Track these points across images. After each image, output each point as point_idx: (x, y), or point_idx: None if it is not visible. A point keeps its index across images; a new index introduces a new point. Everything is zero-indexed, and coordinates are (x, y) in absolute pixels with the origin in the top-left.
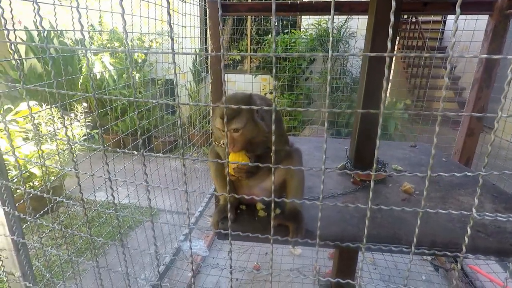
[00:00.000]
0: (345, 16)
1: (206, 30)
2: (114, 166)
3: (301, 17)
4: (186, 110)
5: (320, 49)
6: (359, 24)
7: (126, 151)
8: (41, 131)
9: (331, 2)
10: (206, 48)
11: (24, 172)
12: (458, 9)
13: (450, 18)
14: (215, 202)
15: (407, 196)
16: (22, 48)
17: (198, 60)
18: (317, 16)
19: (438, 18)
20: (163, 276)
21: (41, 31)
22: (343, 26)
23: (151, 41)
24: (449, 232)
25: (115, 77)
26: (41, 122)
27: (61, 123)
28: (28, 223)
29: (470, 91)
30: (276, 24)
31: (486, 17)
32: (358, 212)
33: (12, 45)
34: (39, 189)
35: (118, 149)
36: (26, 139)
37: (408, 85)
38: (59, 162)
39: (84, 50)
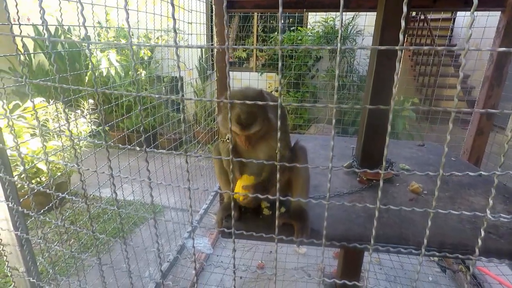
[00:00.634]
0: (352, 13)
1: (212, 27)
2: (119, 163)
3: (307, 14)
4: (192, 107)
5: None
6: (366, 21)
7: (129, 147)
8: (48, 127)
9: None
10: (212, 45)
11: (30, 167)
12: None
13: (460, 15)
14: (219, 199)
15: (414, 195)
16: (30, 46)
17: (204, 58)
18: (324, 13)
19: (447, 15)
20: (167, 273)
21: (43, 25)
22: (350, 24)
23: (157, 38)
24: (459, 233)
25: (122, 74)
26: (48, 118)
27: (66, 120)
28: (33, 218)
29: (481, 90)
30: (282, 20)
31: (498, 13)
32: (365, 211)
33: (20, 41)
34: (44, 184)
35: (120, 145)
36: (33, 135)
37: (416, 84)
38: (65, 158)
39: (87, 44)
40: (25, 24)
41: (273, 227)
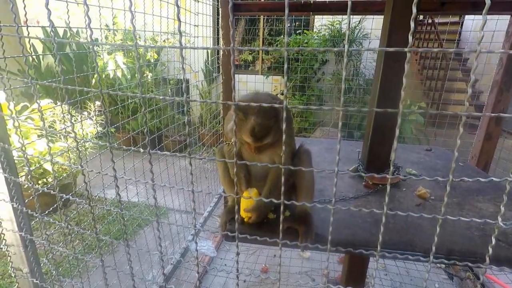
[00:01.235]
0: (359, 17)
1: (218, 30)
2: (124, 164)
3: (314, 17)
4: (197, 109)
5: (333, 50)
6: (373, 24)
7: (133, 148)
8: (55, 129)
9: (345, 1)
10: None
11: (36, 168)
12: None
13: (468, 18)
14: (224, 202)
15: (422, 201)
16: (40, 48)
17: (209, 60)
18: (330, 17)
19: (455, 19)
20: (170, 276)
21: (50, 27)
22: (357, 27)
23: (164, 41)
24: (467, 240)
25: (128, 76)
26: (56, 119)
27: (74, 120)
28: (37, 219)
29: (489, 94)
30: (288, 23)
31: (507, 17)
32: (371, 216)
33: (28, 43)
34: (49, 185)
35: (124, 147)
36: (41, 136)
37: (423, 88)
38: (71, 160)
39: (92, 45)
40: (33, 26)
41: (277, 231)
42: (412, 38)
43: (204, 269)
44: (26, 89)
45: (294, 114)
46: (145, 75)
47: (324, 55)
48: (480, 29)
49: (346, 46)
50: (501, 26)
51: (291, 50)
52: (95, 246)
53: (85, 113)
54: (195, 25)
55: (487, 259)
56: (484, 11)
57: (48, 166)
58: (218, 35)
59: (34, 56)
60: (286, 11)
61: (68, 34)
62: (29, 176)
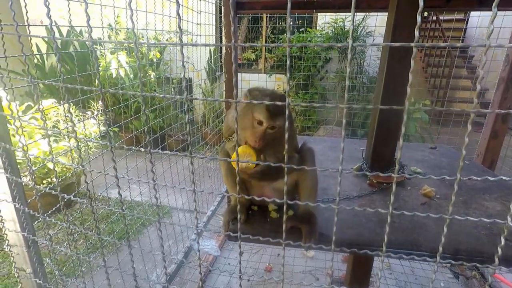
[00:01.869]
0: (363, 14)
1: (221, 29)
2: (127, 164)
3: (317, 15)
4: (200, 108)
5: (336, 48)
6: (377, 22)
7: (134, 148)
8: (59, 128)
9: None
10: (220, 47)
11: (39, 167)
12: None
13: (473, 15)
14: (227, 201)
15: (427, 200)
16: (44, 48)
17: (212, 59)
18: (333, 14)
19: (460, 16)
20: (174, 275)
21: (49, 25)
22: (361, 24)
23: (167, 40)
24: (474, 239)
25: (131, 76)
26: (59, 119)
27: (78, 120)
28: (40, 219)
29: (495, 91)
30: (291, 20)
31: None
32: (375, 215)
33: (30, 42)
34: (52, 185)
35: (125, 146)
36: (45, 135)
37: (428, 85)
38: (75, 159)
39: (91, 43)
40: (33, 25)
41: (280, 230)
42: (419, 33)
43: (207, 269)
44: (31, 89)
45: (297, 113)
46: (148, 74)
47: (328, 53)
48: (489, 23)
49: (350, 42)
50: (507, 23)
51: (294, 46)
52: (99, 246)
53: (89, 112)
54: (197, 24)
55: (496, 259)
56: (494, 3)
57: (52, 166)
58: (220, 33)
59: (38, 56)
60: (289, 6)
61: (72, 33)
62: (31, 177)
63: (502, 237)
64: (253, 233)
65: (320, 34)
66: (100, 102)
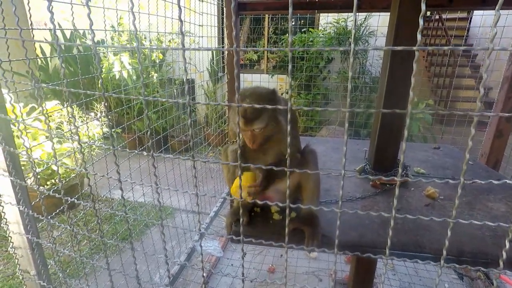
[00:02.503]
0: (365, 14)
1: (223, 30)
2: (130, 165)
3: (319, 15)
4: (202, 109)
5: (339, 49)
6: (379, 22)
7: (136, 151)
8: (63, 130)
9: None
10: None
11: (44, 169)
12: None
13: (477, 14)
14: (230, 202)
15: (430, 201)
16: (48, 50)
17: (215, 60)
18: (335, 14)
19: (463, 15)
20: (177, 276)
21: (53, 29)
22: (363, 24)
23: (169, 41)
24: (478, 241)
25: (134, 77)
26: (63, 121)
27: (81, 122)
28: (44, 221)
29: (500, 90)
30: (293, 21)
31: None
32: (378, 217)
33: (34, 45)
34: (55, 187)
35: (128, 150)
36: (49, 137)
37: (431, 85)
38: (79, 161)
39: (93, 47)
40: (37, 28)
41: (283, 233)
42: (421, 36)
43: (209, 272)
44: (35, 90)
45: (300, 113)
46: (150, 75)
47: (330, 53)
48: (492, 26)
49: (352, 46)
50: (511, 22)
51: (296, 50)
52: (103, 246)
53: (92, 114)
54: (199, 25)
55: (501, 263)
56: (497, 6)
57: (56, 167)
58: (223, 34)
59: (42, 58)
60: (290, 10)
61: (75, 36)
62: (35, 179)
63: (507, 241)
64: (255, 235)
65: (322, 34)
66: (103, 104)
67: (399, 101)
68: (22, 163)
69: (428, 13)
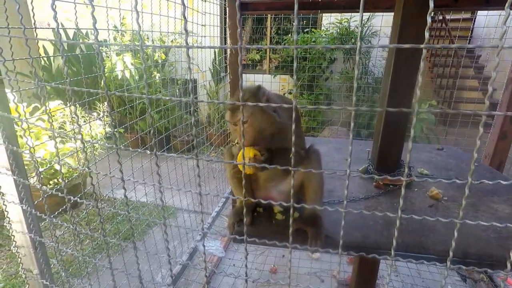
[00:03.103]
0: (368, 14)
1: (225, 30)
2: (132, 165)
3: (322, 15)
4: (205, 109)
5: (345, 48)
6: (382, 22)
7: (139, 150)
8: (65, 129)
9: None
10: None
11: (47, 168)
12: None
13: (481, 14)
14: (232, 202)
15: (434, 202)
16: (51, 50)
17: (217, 60)
18: (338, 15)
19: (467, 15)
20: (179, 276)
21: (56, 28)
22: (366, 24)
23: (172, 41)
24: (483, 243)
25: (137, 77)
26: (66, 120)
27: (84, 121)
28: (47, 220)
29: (504, 91)
30: (297, 22)
31: None
32: (382, 217)
33: (37, 45)
34: (59, 186)
35: (131, 149)
36: (52, 136)
37: (433, 86)
38: (81, 160)
39: (97, 46)
40: (41, 28)
41: (286, 233)
42: (429, 34)
43: (212, 271)
44: (38, 90)
45: (302, 113)
46: (153, 75)
47: (332, 53)
48: (502, 23)
49: (358, 44)
50: None
51: (301, 48)
52: (105, 245)
53: (95, 113)
54: (202, 25)
55: (509, 265)
56: (507, 4)
57: (58, 167)
58: (225, 34)
59: (45, 58)
60: (296, 8)
61: (78, 36)
62: (39, 178)
63: None
64: (258, 235)
65: (325, 34)
66: (106, 104)
67: (403, 100)
68: (25, 162)
69: (432, 14)
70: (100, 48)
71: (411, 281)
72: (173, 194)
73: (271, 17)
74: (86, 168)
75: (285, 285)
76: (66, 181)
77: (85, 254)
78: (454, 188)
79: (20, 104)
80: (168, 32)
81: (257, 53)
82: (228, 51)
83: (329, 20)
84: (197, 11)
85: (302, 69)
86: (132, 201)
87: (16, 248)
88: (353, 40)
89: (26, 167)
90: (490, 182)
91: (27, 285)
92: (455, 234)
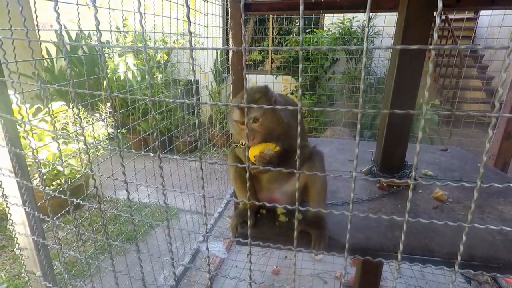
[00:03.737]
0: (370, 14)
1: (227, 30)
2: (135, 166)
3: (324, 16)
4: (207, 110)
5: (351, 49)
6: (385, 22)
7: (142, 152)
8: (68, 131)
9: None
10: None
11: (50, 170)
12: None
13: (484, 14)
14: (234, 203)
15: (439, 203)
16: (53, 51)
17: (219, 60)
18: (340, 15)
19: (470, 15)
20: (181, 277)
21: (59, 30)
22: (368, 24)
23: (174, 42)
24: (489, 245)
25: (139, 78)
26: (68, 121)
27: (86, 122)
28: (50, 222)
29: (508, 91)
30: (298, 22)
31: None
32: (385, 219)
33: (40, 46)
34: (60, 188)
35: (134, 151)
36: (55, 137)
37: (436, 86)
38: (84, 161)
39: (99, 48)
40: (43, 30)
41: (290, 235)
42: (437, 35)
43: (215, 271)
44: (41, 91)
45: (304, 114)
46: (155, 76)
47: (335, 54)
48: None
49: (365, 44)
50: None
51: (306, 49)
52: (107, 247)
53: (97, 114)
54: (204, 26)
55: None
56: None
57: (61, 168)
58: (227, 35)
59: (48, 60)
60: (301, 9)
61: (80, 37)
62: (41, 180)
63: None
64: (262, 237)
65: (327, 35)
66: (108, 105)
67: (407, 100)
68: (28, 163)
69: (435, 14)
70: (103, 49)
71: (415, 282)
72: (176, 195)
73: (273, 18)
74: (90, 171)
75: (287, 284)
76: (69, 182)
77: (88, 255)
78: (459, 189)
79: (23, 106)
80: (170, 33)
81: (259, 53)
82: (231, 52)
83: (331, 21)
84: (199, 12)
85: (304, 69)
86: (134, 202)
87: (19, 250)
88: (355, 40)
89: (29, 168)
90: (500, 186)
91: (30, 287)
92: (463, 238)
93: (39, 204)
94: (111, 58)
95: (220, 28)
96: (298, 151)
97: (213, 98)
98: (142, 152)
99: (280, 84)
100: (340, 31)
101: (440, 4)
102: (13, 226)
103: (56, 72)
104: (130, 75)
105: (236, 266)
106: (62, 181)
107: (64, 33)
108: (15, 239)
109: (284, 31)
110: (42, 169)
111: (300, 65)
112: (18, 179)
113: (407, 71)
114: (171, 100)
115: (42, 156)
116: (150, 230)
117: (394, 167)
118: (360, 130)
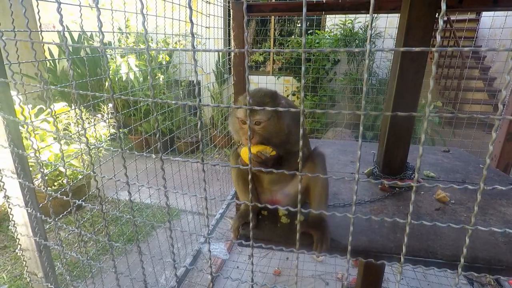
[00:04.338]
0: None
1: (229, 32)
2: (137, 166)
3: (326, 17)
4: (209, 111)
5: (355, 51)
6: (387, 23)
7: (144, 154)
8: (70, 131)
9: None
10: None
11: (52, 170)
12: None
13: (485, 15)
14: (235, 205)
15: (441, 205)
16: (56, 52)
17: (221, 62)
18: (342, 16)
19: (472, 16)
20: (183, 278)
21: (62, 31)
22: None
23: (176, 43)
24: (492, 247)
25: (141, 79)
26: (71, 122)
27: (88, 123)
28: (52, 223)
29: (510, 93)
30: (300, 23)
31: None
32: (388, 221)
33: (42, 47)
34: (62, 188)
35: (136, 152)
36: (56, 138)
37: (438, 87)
38: (86, 162)
39: (101, 49)
40: (46, 31)
41: (291, 236)
42: (440, 37)
43: (216, 273)
44: (43, 92)
45: (306, 115)
46: (157, 77)
47: (336, 55)
48: None
49: (368, 47)
50: None
51: (310, 51)
52: (109, 248)
53: (99, 115)
54: (206, 27)
55: None
56: None
57: (63, 168)
58: (229, 36)
59: (50, 61)
60: (304, 10)
61: (82, 38)
62: (43, 181)
63: None
64: (263, 238)
65: (329, 36)
66: (110, 106)
67: (409, 102)
68: (30, 163)
69: (436, 15)
70: (105, 50)
71: (417, 284)
72: (177, 196)
73: (274, 19)
74: (92, 172)
75: (288, 280)
76: (71, 183)
77: (90, 256)
78: (461, 191)
79: (25, 106)
80: (172, 34)
81: (260, 54)
82: (232, 53)
83: (333, 22)
84: (201, 13)
85: (305, 70)
86: (136, 203)
87: (21, 251)
88: (357, 42)
89: (31, 169)
90: (504, 188)
91: None
92: (467, 240)
93: (41, 205)
94: (113, 59)
95: (222, 29)
96: (300, 154)
97: (215, 99)
98: (144, 154)
99: (281, 85)
100: (342, 32)
101: (443, 6)
102: (15, 227)
103: (58, 73)
104: (132, 76)
105: (238, 267)
106: (64, 182)
107: (66, 34)
108: (17, 240)
109: (286, 32)
110: (44, 170)
111: (303, 68)
112: (20, 180)
113: (409, 72)
114: (173, 102)
115: (44, 157)
116: (152, 231)
117: (396, 168)
118: (362, 132)
